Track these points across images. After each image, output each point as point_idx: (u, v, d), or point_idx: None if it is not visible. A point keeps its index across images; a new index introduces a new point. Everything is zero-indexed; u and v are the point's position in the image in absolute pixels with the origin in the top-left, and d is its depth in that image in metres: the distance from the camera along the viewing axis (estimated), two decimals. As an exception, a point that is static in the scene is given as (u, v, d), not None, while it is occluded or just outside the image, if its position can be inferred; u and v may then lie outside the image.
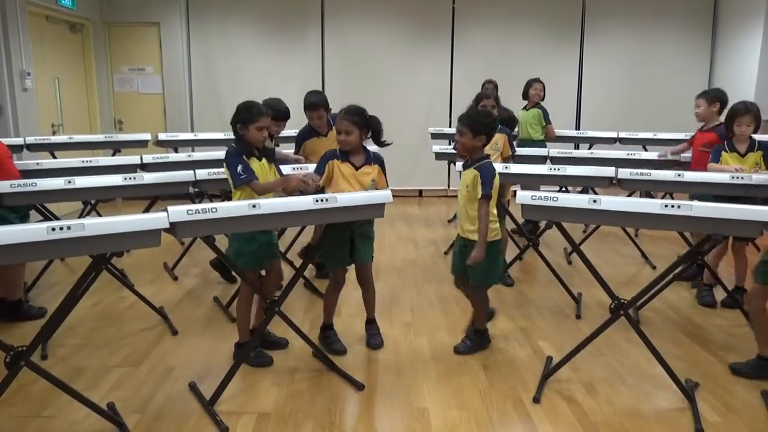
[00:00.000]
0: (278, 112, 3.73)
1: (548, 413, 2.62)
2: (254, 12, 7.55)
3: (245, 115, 2.90)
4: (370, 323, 3.39)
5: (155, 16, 7.36)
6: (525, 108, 5.66)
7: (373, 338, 3.32)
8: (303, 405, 2.69)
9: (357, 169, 3.06)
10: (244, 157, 2.90)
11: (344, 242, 3.11)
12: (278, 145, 4.12)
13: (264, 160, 3.02)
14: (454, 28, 7.66)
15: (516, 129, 5.31)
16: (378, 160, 3.14)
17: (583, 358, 3.03)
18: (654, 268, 4.78)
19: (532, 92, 5.55)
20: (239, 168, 2.85)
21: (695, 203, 2.45)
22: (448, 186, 7.85)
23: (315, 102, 3.98)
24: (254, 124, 2.88)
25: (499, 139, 4.20)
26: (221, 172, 3.73)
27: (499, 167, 3.88)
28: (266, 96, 4.12)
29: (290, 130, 4.34)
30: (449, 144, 6.04)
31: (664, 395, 2.78)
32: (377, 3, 7.59)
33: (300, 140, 4.15)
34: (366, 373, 2.98)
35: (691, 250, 2.78)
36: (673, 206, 2.44)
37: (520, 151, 4.72)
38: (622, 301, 2.77)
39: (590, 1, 7.64)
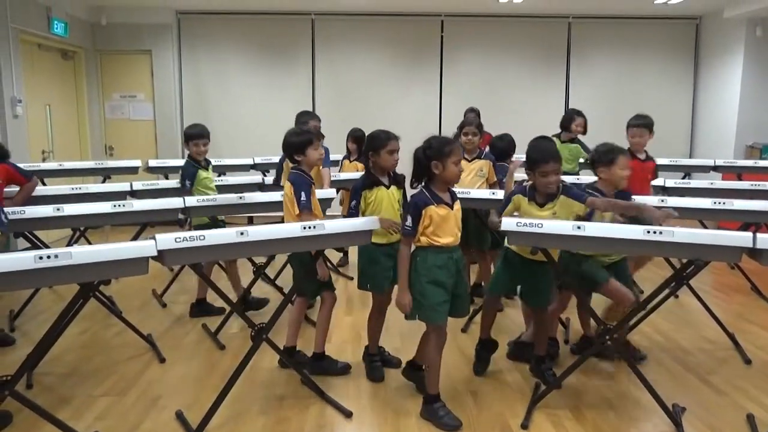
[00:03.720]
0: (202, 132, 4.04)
1: (536, 439, 2.63)
2: (245, 40, 7.65)
3: (375, 142, 2.99)
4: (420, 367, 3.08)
5: (147, 44, 7.44)
6: (559, 137, 5.30)
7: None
8: (291, 433, 2.68)
9: (452, 207, 2.73)
10: (367, 188, 3.01)
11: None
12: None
13: (393, 188, 3.06)
14: (442, 57, 7.79)
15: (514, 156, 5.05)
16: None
17: (570, 383, 3.04)
18: (641, 292, 4.80)
19: (574, 127, 5.29)
20: (353, 204, 3.03)
21: (677, 229, 2.49)
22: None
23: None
24: (385, 149, 2.97)
25: (483, 165, 4.26)
26: (210, 199, 3.77)
27: (486, 193, 3.95)
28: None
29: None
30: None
31: (651, 420, 2.79)
32: (367, 31, 7.73)
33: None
34: (354, 400, 2.97)
35: (675, 274, 2.81)
36: (655, 232, 2.48)
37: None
38: (608, 326, 2.79)
39: (576, 32, 7.81)
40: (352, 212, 3.03)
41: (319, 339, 3.27)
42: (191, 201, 3.65)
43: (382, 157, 3.00)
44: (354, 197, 3.05)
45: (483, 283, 4.49)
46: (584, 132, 5.35)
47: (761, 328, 4.04)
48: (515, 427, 2.71)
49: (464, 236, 4.33)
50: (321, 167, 4.39)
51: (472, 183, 4.20)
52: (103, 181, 5.17)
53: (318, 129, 4.13)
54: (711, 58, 7.60)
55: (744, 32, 6.84)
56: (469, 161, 4.29)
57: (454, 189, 2.80)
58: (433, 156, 2.65)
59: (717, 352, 3.63)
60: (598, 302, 3.22)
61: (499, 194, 3.96)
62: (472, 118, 4.78)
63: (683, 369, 3.37)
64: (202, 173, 4.03)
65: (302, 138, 3.08)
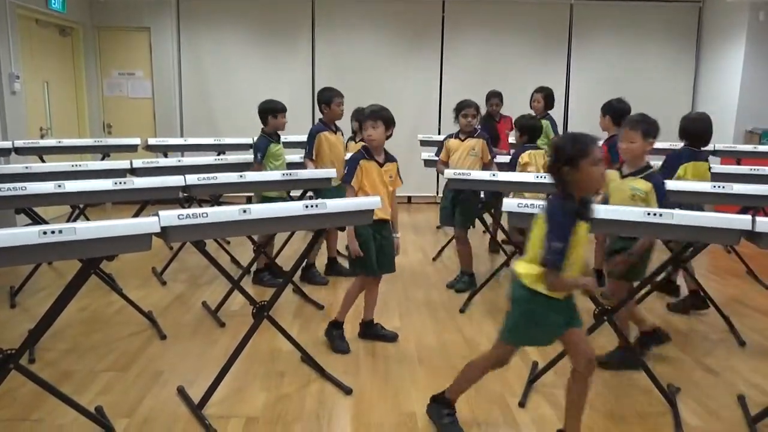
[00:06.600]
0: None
1: (533, 417, 2.67)
2: (245, 19, 7.58)
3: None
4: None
5: (146, 21, 7.36)
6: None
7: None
8: (291, 409, 2.71)
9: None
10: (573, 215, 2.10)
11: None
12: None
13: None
14: (443, 38, 7.73)
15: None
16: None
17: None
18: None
19: (533, 104, 5.45)
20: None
21: (677, 212, 2.51)
22: (437, 193, 7.90)
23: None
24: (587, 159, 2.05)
25: (476, 144, 4.26)
26: (211, 177, 3.77)
27: (485, 175, 3.95)
28: (256, 103, 4.19)
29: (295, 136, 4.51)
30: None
31: (646, 400, 2.83)
32: (368, 11, 7.66)
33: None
34: (354, 377, 3.01)
35: (673, 257, 2.84)
36: (654, 214, 2.50)
37: None
38: (606, 307, 2.82)
39: (578, 15, 7.75)
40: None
41: (341, 308, 3.41)
42: (192, 179, 3.65)
43: (585, 171, 2.07)
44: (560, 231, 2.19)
45: (461, 267, 4.47)
46: (546, 106, 5.42)
47: (755, 311, 4.09)
48: (513, 406, 2.76)
49: (450, 214, 4.40)
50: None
51: (466, 162, 4.23)
52: (102, 159, 5.16)
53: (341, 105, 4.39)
54: (713, 42, 7.56)
55: (747, 17, 6.80)
56: (462, 140, 4.30)
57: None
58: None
59: (712, 334, 3.67)
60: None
61: (499, 175, 3.97)
62: (470, 101, 4.76)
63: (679, 350, 3.41)
64: (274, 146, 4.33)
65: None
